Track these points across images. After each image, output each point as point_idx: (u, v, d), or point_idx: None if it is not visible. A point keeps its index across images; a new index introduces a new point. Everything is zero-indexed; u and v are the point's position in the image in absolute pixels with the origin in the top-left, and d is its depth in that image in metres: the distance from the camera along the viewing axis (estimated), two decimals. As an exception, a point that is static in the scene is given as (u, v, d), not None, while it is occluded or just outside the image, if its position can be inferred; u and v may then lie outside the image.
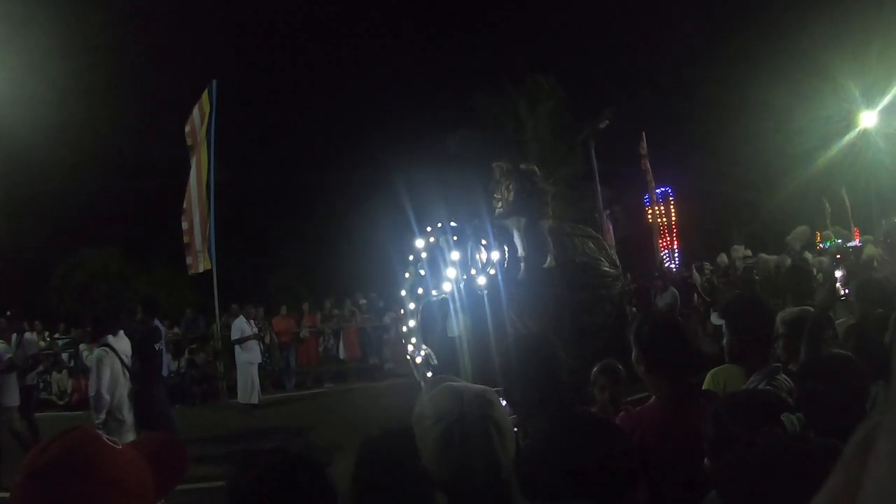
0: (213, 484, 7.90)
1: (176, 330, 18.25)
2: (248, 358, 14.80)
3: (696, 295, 15.65)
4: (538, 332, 3.06)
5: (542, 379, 2.67)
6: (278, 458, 1.95)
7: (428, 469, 1.81)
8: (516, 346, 2.92)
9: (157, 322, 12.02)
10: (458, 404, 1.76)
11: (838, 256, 11.38)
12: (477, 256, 9.80)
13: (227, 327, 17.04)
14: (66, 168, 26.13)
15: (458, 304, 9.33)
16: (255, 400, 14.55)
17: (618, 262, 12.24)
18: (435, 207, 13.34)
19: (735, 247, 21.38)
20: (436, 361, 9.43)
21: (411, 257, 9.78)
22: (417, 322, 9.54)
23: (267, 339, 17.06)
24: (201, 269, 16.40)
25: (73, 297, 26.85)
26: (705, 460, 2.41)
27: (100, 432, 1.54)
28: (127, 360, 8.57)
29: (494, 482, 1.75)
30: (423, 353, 9.26)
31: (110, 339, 8.24)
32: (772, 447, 1.49)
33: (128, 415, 8.06)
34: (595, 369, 4.57)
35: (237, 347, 14.92)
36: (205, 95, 16.56)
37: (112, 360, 7.99)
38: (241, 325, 15.03)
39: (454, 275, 9.43)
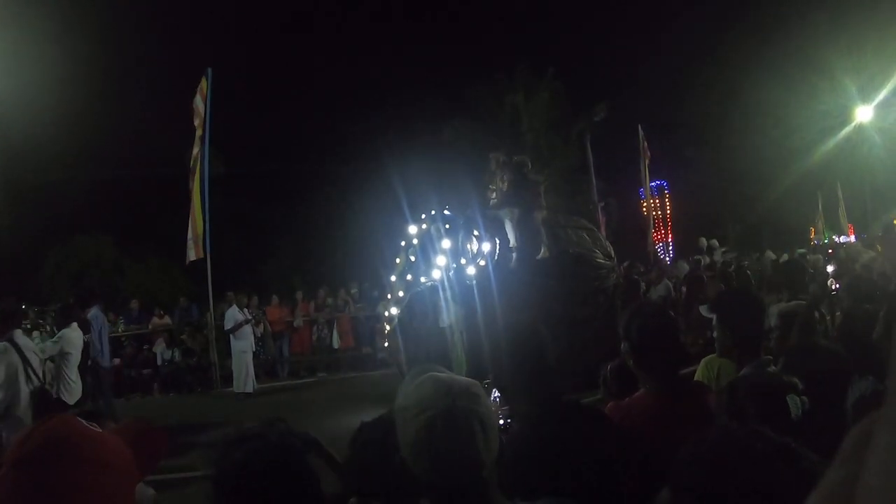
0: (205, 472, 7.92)
1: (168, 319, 18.19)
2: (243, 346, 14.81)
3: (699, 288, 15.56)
4: (527, 321, 3.03)
5: (529, 366, 2.67)
6: (259, 444, 1.95)
7: (406, 460, 1.78)
8: (505, 334, 2.91)
9: (95, 312, 11.85)
10: (443, 396, 1.73)
11: (830, 252, 11.45)
12: (468, 246, 9.81)
13: (222, 316, 17.06)
14: (60, 157, 26.06)
15: (448, 293, 9.34)
16: (249, 388, 14.57)
17: (612, 253, 12.24)
18: (429, 198, 13.33)
19: (709, 243, 21.13)
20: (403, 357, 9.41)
21: (403, 243, 9.79)
22: (403, 310, 9.54)
23: (261, 328, 17.07)
24: (193, 258, 16.38)
25: (67, 286, 26.78)
26: None
27: (77, 418, 1.55)
28: (68, 354, 8.48)
29: (474, 479, 1.71)
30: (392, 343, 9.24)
31: (17, 334, 7.93)
32: (721, 444, 1.48)
33: (25, 413, 7.61)
34: (606, 369, 4.47)
35: (231, 336, 14.92)
36: (204, 83, 16.50)
37: (10, 356, 7.65)
38: (234, 314, 15.03)
39: (444, 263, 9.44)
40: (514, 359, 2.71)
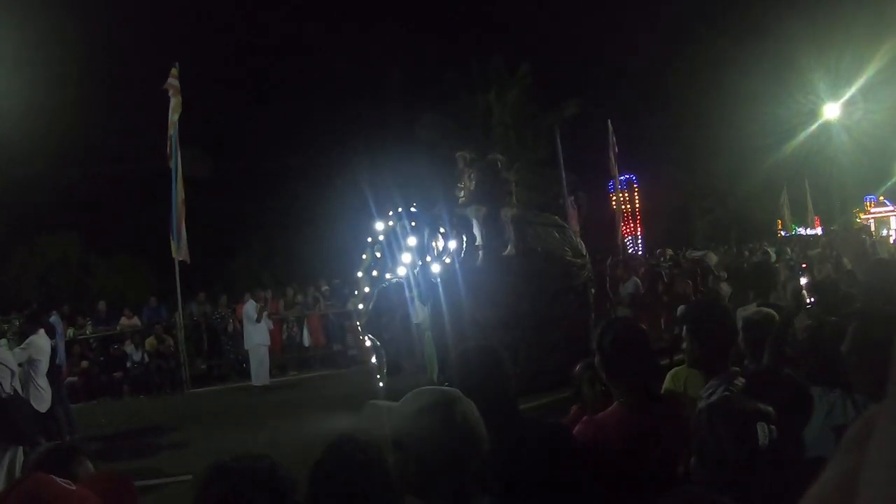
0: (178, 478, 7.87)
1: (136, 320, 17.88)
2: (260, 340, 14.80)
3: (660, 283, 15.73)
4: (484, 344, 3.03)
5: (487, 389, 2.61)
6: (248, 475, 1.91)
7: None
8: (461, 358, 2.89)
9: (54, 318, 11.69)
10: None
11: (803, 266, 11.61)
12: (433, 244, 9.84)
13: (191, 315, 16.82)
14: (24, 155, 25.63)
15: (413, 290, 9.43)
16: (265, 381, 14.59)
17: (583, 250, 12.27)
18: (399, 193, 13.33)
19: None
20: (382, 350, 9.53)
21: (370, 239, 9.83)
22: (368, 306, 9.61)
23: (230, 328, 16.94)
24: (181, 258, 15.97)
25: (33, 285, 26.43)
26: (692, 459, 2.51)
27: (52, 477, 1.56)
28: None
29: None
30: (368, 339, 9.25)
31: None
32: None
33: None
34: (579, 367, 4.41)
35: (249, 329, 14.88)
36: (174, 72, 16.18)
37: None
38: (251, 309, 14.99)
39: (410, 260, 9.49)
40: (470, 383, 2.63)
